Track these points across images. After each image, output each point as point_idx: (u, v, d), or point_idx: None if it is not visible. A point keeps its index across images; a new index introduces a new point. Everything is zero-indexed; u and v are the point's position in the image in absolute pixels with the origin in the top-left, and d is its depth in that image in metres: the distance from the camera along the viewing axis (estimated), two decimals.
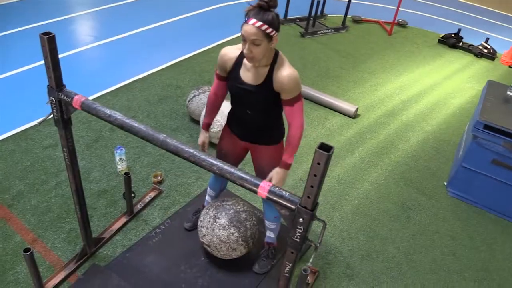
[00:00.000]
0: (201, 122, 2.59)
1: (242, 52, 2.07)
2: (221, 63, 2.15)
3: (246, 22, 1.86)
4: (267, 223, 2.59)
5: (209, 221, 2.49)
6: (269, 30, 1.85)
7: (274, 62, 2.03)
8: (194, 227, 2.90)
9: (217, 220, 2.46)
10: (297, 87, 2.03)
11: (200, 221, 2.56)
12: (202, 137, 2.45)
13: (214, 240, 2.47)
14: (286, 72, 1.99)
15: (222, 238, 2.45)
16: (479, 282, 2.88)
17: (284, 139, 2.30)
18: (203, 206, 2.91)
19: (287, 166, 2.16)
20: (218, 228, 2.44)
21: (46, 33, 1.82)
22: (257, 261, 2.70)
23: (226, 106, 3.53)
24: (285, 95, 2.04)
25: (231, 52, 2.11)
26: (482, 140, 3.26)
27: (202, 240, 2.54)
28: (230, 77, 2.15)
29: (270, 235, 2.64)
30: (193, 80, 4.67)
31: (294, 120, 2.08)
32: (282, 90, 2.03)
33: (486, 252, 3.11)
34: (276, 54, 2.04)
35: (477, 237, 3.23)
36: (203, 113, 3.59)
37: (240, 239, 2.47)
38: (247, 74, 2.08)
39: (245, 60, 2.08)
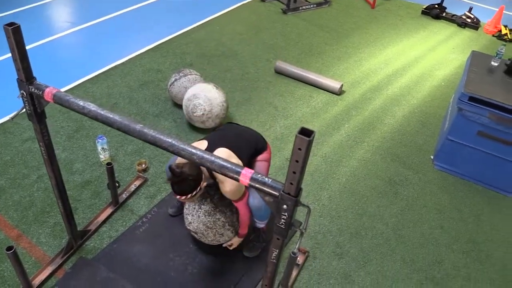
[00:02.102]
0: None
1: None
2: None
3: (174, 195, 2.18)
4: (256, 222, 2.60)
5: (194, 208, 2.45)
6: (194, 192, 2.12)
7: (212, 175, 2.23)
8: (178, 213, 2.87)
9: (202, 206, 2.42)
10: (235, 196, 2.26)
11: (186, 208, 2.53)
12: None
13: (200, 227, 2.43)
14: (222, 187, 2.20)
15: (208, 224, 2.42)
16: (467, 254, 2.91)
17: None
18: None
19: (242, 236, 2.53)
20: (203, 215, 2.41)
21: (11, 24, 1.73)
22: (247, 245, 2.69)
23: (210, 90, 3.46)
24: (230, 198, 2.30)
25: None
26: (467, 112, 3.25)
27: (188, 228, 2.51)
28: None
29: (259, 225, 2.64)
30: (174, 64, 4.57)
31: (239, 207, 2.35)
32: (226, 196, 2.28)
33: (473, 223, 3.14)
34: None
35: (464, 209, 3.25)
36: (186, 95, 3.51)
37: (227, 224, 2.45)
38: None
39: None
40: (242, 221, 2.42)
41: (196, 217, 2.43)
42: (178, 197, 2.13)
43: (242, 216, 2.39)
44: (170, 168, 2.07)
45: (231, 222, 2.47)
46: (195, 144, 2.25)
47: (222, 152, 2.20)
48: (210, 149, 2.19)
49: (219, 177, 2.17)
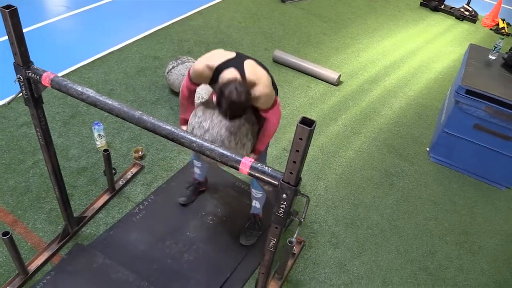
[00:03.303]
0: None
1: (217, 69, 2.04)
2: (196, 78, 2.15)
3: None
4: (253, 191, 2.56)
5: (212, 113, 2.06)
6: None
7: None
8: (189, 201, 2.87)
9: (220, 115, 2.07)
10: (269, 102, 2.07)
11: (196, 116, 2.11)
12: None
13: (222, 132, 2.02)
14: (255, 92, 2.00)
15: (231, 129, 2.03)
16: (460, 245, 2.95)
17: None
18: (195, 180, 2.88)
19: (259, 152, 2.26)
20: (225, 120, 2.05)
21: (8, 6, 1.70)
22: (244, 233, 2.70)
23: None
24: (260, 107, 2.10)
25: (205, 70, 2.07)
26: (464, 105, 3.26)
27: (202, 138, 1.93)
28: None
29: (256, 205, 2.63)
30: (172, 51, 4.53)
31: (270, 117, 2.14)
32: (256, 104, 2.06)
33: (467, 215, 3.18)
34: (242, 68, 2.03)
35: (458, 201, 3.28)
36: None
37: (249, 133, 2.13)
38: None
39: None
40: (269, 131, 2.18)
41: (218, 121, 2.03)
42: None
43: (271, 126, 2.15)
44: (236, 89, 1.84)
45: (253, 133, 2.17)
46: (223, 52, 2.08)
47: (250, 63, 2.05)
48: (238, 61, 2.03)
49: (251, 77, 1.99)
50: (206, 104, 2.16)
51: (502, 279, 2.78)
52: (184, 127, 2.34)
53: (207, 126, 2.04)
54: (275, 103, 2.10)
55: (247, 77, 1.99)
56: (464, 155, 3.47)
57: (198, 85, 2.23)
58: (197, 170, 2.81)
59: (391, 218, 3.06)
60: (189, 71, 2.19)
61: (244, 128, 2.08)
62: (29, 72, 1.84)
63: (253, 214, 2.69)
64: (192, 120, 2.13)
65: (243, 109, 1.88)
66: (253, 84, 1.99)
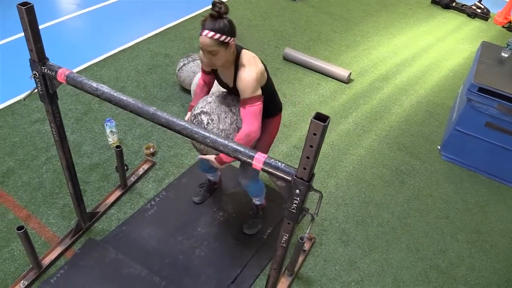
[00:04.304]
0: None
1: None
2: (203, 64, 2.16)
3: (200, 33, 1.89)
4: (253, 198, 2.64)
5: (221, 108, 2.13)
6: (223, 37, 1.86)
7: (237, 63, 2.03)
8: (203, 200, 2.88)
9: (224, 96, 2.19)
10: (249, 89, 1.97)
11: (208, 102, 2.18)
12: (187, 117, 2.33)
13: (220, 109, 2.10)
14: (242, 72, 1.98)
15: (233, 108, 2.13)
16: (472, 244, 2.93)
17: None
18: (209, 180, 2.89)
19: (221, 162, 2.10)
20: (227, 97, 2.17)
21: (24, 3, 1.72)
22: (247, 222, 2.73)
23: None
24: (240, 95, 2.02)
25: None
26: (476, 103, 3.23)
27: (201, 110, 2.14)
28: (215, 73, 2.20)
29: (256, 202, 2.68)
30: (182, 48, 4.55)
31: (243, 124, 2.03)
32: (239, 90, 2.02)
33: (478, 214, 3.15)
34: (238, 54, 2.03)
35: (470, 199, 3.26)
36: (194, 80, 3.51)
37: (236, 124, 2.17)
38: (224, 74, 2.14)
39: None
40: (238, 136, 2.02)
41: (221, 97, 2.16)
42: (205, 33, 1.84)
43: (242, 132, 2.01)
44: (213, 1, 1.86)
45: (238, 128, 2.13)
46: None
47: (248, 52, 2.04)
48: (237, 47, 2.03)
49: (243, 61, 2.00)
50: (219, 97, 2.19)
51: None
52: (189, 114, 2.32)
53: (211, 99, 2.16)
54: (255, 100, 1.99)
55: (240, 59, 2.02)
56: (476, 153, 3.44)
57: (209, 74, 2.25)
58: (209, 177, 2.87)
59: (402, 216, 3.05)
60: (201, 67, 2.25)
61: (237, 115, 2.14)
62: (44, 69, 1.87)
63: (254, 204, 2.73)
64: (201, 103, 2.18)
65: (222, 23, 1.86)
66: (244, 63, 2.00)
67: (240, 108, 2.06)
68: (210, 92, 2.39)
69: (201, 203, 2.87)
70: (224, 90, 2.27)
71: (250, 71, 1.97)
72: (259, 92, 2.01)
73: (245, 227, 2.72)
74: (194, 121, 2.15)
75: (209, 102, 2.16)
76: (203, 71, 2.26)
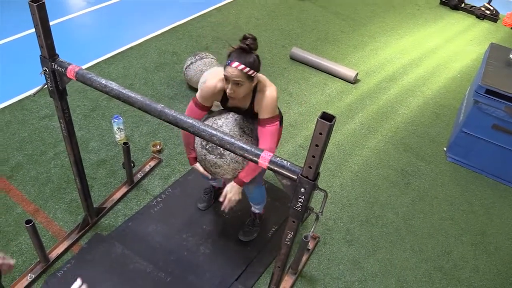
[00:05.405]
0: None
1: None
2: (208, 96, 2.12)
3: (229, 64, 1.92)
4: (252, 206, 2.63)
5: (227, 113, 2.19)
6: (251, 72, 1.92)
7: (255, 91, 2.07)
8: (208, 206, 2.87)
9: (236, 114, 2.21)
10: (271, 109, 2.03)
11: (212, 117, 2.23)
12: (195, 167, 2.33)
13: (235, 130, 2.13)
14: (264, 93, 2.03)
15: (245, 129, 2.16)
16: (476, 246, 2.93)
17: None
18: (213, 186, 2.88)
19: (241, 183, 2.15)
20: (241, 119, 2.19)
21: (35, 0, 1.75)
22: (243, 229, 2.72)
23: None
24: (260, 115, 2.06)
25: (218, 83, 2.08)
26: (483, 105, 3.23)
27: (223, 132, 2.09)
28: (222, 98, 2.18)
29: (255, 210, 2.67)
30: (190, 46, 4.57)
31: (261, 143, 2.07)
32: (258, 110, 2.06)
33: (483, 216, 3.15)
34: (256, 83, 2.06)
35: (475, 201, 3.26)
36: (202, 79, 3.52)
37: (254, 140, 2.18)
38: (234, 101, 2.14)
39: None
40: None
41: (232, 120, 2.15)
42: (235, 65, 1.89)
43: (262, 146, 2.04)
44: (245, 35, 1.97)
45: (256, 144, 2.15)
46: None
47: (260, 75, 2.08)
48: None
49: (261, 80, 2.05)
50: (229, 119, 2.19)
51: None
52: (197, 165, 2.31)
53: (220, 123, 2.15)
54: (275, 120, 2.05)
55: (259, 78, 2.05)
56: (482, 156, 3.44)
57: (207, 109, 2.19)
58: (213, 183, 2.86)
59: (406, 217, 3.05)
60: (193, 100, 2.17)
61: (254, 134, 2.17)
62: (54, 65, 1.89)
63: (253, 212, 2.71)
64: (208, 119, 2.22)
65: (251, 58, 1.92)
66: (263, 85, 2.05)
67: (258, 127, 2.09)
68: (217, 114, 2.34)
69: (205, 210, 2.86)
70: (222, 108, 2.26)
71: (271, 91, 2.04)
72: (277, 111, 2.10)
73: (240, 234, 2.71)
74: (208, 146, 2.16)
75: (220, 126, 2.14)
76: (200, 106, 2.16)
